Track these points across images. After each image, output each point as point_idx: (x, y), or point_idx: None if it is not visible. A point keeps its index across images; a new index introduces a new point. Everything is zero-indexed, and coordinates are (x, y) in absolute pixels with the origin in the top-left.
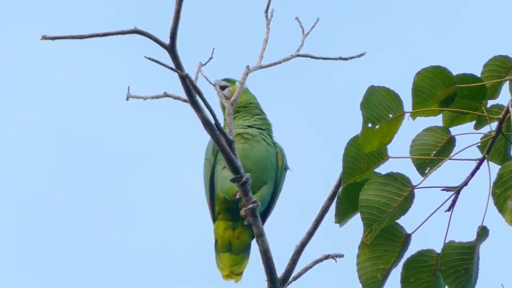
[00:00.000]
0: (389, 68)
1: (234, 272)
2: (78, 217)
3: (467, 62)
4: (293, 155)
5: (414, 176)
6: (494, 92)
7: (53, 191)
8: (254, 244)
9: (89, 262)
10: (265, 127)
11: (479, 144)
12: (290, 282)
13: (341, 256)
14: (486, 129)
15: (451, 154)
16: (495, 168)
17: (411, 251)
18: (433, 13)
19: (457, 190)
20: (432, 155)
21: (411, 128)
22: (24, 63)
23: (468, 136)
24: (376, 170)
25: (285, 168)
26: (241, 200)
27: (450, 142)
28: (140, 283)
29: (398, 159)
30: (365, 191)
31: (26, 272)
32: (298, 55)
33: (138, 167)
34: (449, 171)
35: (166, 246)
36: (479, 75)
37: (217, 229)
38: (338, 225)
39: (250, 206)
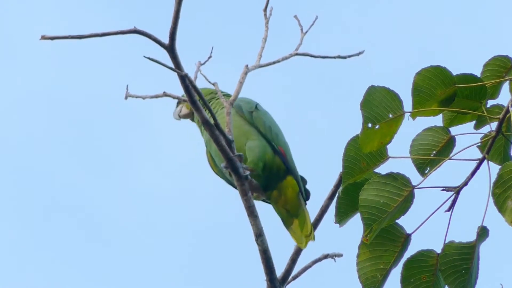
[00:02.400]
0: (389, 68)
1: (306, 235)
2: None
3: (467, 62)
4: (293, 154)
5: (414, 176)
6: (494, 92)
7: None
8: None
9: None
10: (217, 106)
11: (479, 144)
12: (290, 282)
13: (340, 255)
14: (486, 129)
15: (451, 154)
16: (495, 168)
17: (411, 251)
18: (432, 12)
19: (457, 190)
20: (432, 155)
21: (411, 128)
22: (23, 62)
23: (468, 136)
24: (376, 170)
25: (250, 111)
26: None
27: (450, 142)
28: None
29: (398, 159)
30: (365, 191)
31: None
32: (297, 54)
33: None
34: (449, 171)
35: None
36: (479, 75)
37: (274, 208)
38: (337, 225)
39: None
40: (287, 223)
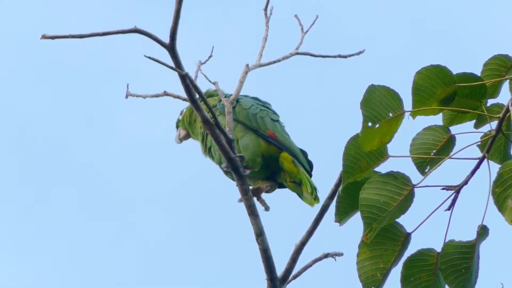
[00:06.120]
0: (389, 67)
1: (312, 193)
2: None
3: (467, 61)
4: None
5: (414, 175)
6: (494, 91)
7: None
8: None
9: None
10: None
11: (479, 143)
12: (290, 281)
13: (341, 254)
14: (486, 128)
15: (451, 153)
16: (495, 167)
17: (411, 250)
18: (432, 11)
19: (457, 189)
20: (432, 154)
21: (411, 127)
22: (23, 60)
23: (468, 135)
24: (376, 169)
25: (244, 108)
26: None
27: (450, 141)
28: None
29: (398, 158)
30: (365, 190)
31: None
32: (297, 53)
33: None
34: (449, 170)
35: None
36: (479, 74)
37: (286, 186)
38: (337, 224)
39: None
40: (299, 192)
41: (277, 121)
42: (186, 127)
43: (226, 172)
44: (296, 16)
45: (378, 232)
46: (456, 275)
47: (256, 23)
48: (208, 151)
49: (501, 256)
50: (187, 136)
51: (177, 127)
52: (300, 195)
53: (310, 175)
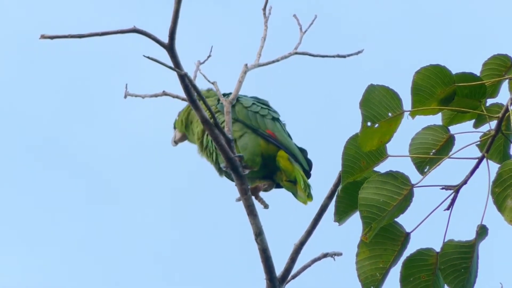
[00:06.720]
0: (388, 67)
1: (306, 190)
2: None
3: (467, 61)
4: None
5: (413, 174)
6: (494, 91)
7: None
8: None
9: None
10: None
11: (478, 143)
12: (289, 281)
13: (340, 254)
14: (485, 127)
15: (451, 153)
16: (494, 166)
17: (410, 250)
18: (432, 11)
19: (457, 189)
20: (431, 153)
21: (410, 127)
22: (25, 60)
23: (467, 135)
24: (376, 168)
25: (244, 106)
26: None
27: (450, 141)
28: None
29: (398, 157)
30: (365, 190)
31: None
32: (296, 53)
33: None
34: (449, 170)
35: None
36: (478, 74)
37: (282, 185)
38: (336, 223)
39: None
40: (294, 191)
41: (278, 119)
42: (182, 130)
43: (221, 172)
44: (295, 16)
45: (378, 232)
46: (456, 275)
47: (255, 23)
48: (204, 149)
49: (500, 256)
50: (183, 138)
51: (175, 128)
52: (295, 193)
53: (310, 174)
